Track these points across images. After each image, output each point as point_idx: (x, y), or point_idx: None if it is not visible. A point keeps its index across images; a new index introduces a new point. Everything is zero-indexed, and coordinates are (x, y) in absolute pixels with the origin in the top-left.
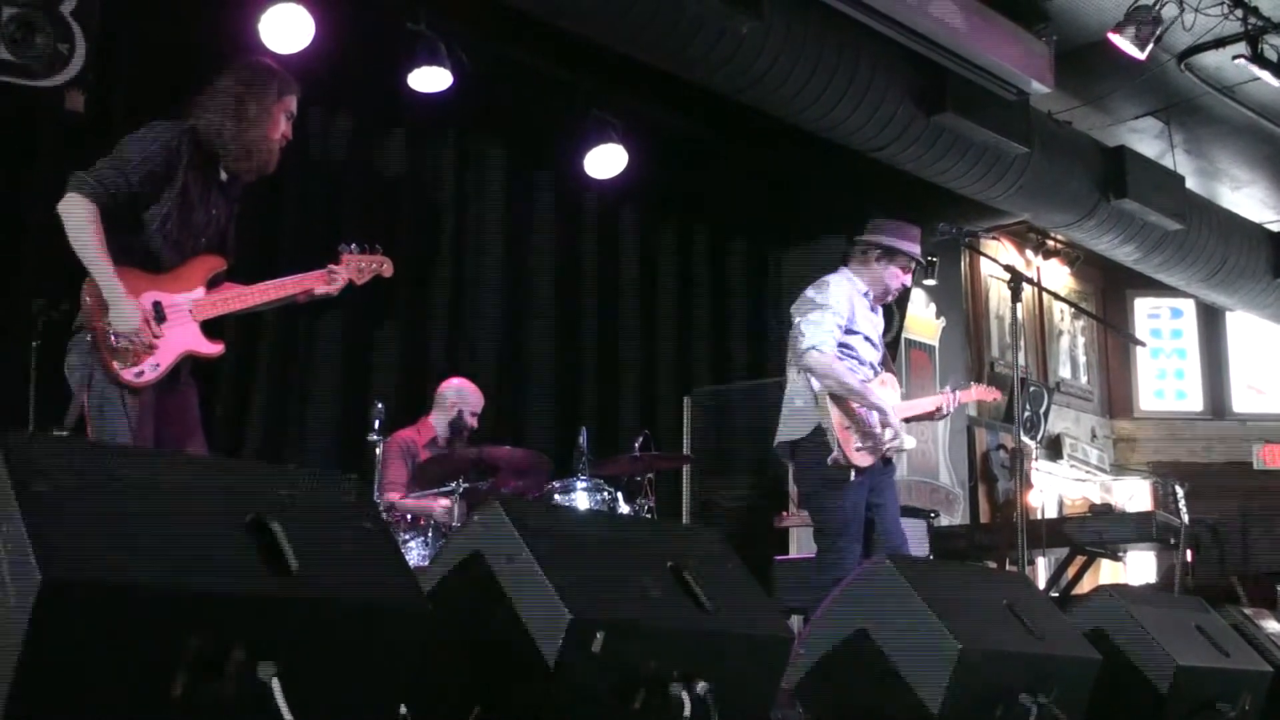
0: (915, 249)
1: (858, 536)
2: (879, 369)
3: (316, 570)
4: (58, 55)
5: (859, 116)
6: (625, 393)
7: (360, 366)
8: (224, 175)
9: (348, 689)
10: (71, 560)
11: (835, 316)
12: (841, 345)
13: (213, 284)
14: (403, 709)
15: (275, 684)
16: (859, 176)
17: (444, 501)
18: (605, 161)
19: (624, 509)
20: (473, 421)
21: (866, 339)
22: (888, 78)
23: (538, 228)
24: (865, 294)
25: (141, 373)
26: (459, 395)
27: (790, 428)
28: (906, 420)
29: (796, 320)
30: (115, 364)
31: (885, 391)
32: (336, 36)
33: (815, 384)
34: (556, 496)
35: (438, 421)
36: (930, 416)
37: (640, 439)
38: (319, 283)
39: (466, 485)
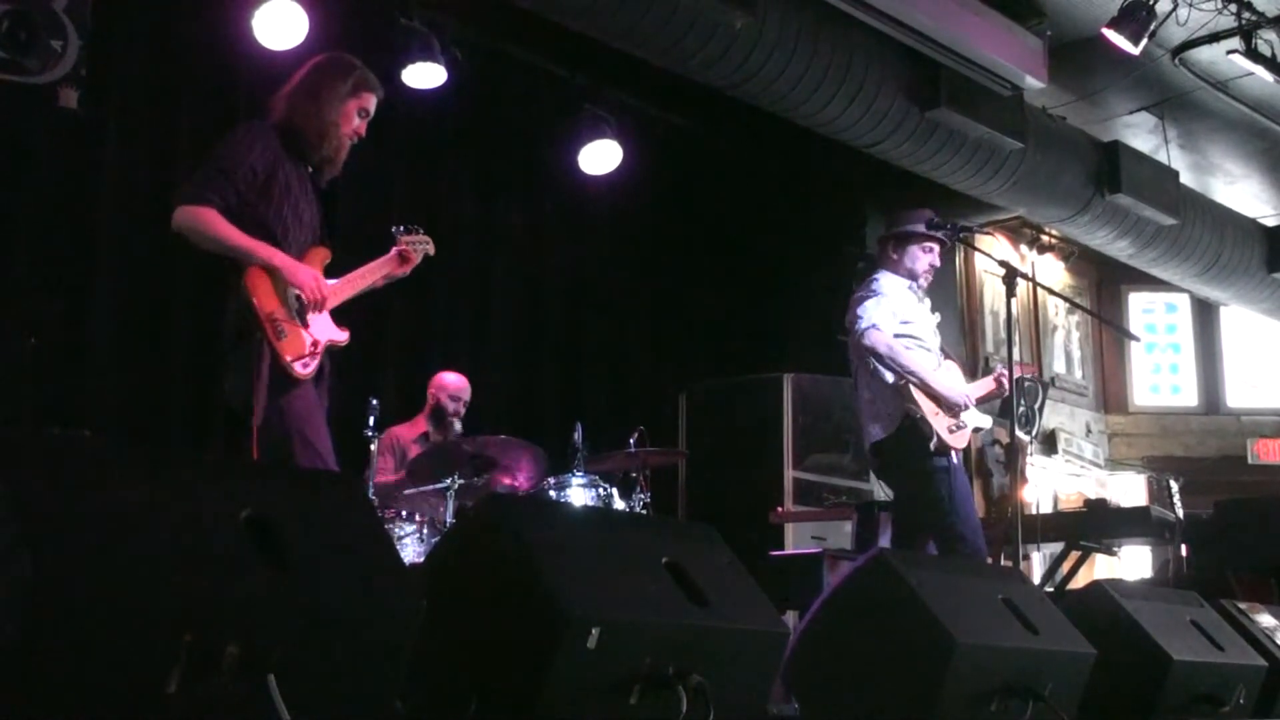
0: (917, 226)
1: (972, 524)
2: (941, 357)
3: (312, 567)
4: (50, 52)
5: (854, 112)
6: (621, 388)
7: (361, 364)
8: (310, 168)
9: (343, 685)
10: (67, 557)
11: (890, 303)
12: (907, 336)
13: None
14: (398, 705)
15: (271, 680)
16: (854, 172)
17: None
18: (600, 157)
19: (619, 504)
20: (453, 406)
21: (924, 327)
22: (882, 73)
23: (532, 224)
24: (910, 286)
25: (307, 364)
26: (436, 384)
27: (871, 431)
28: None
29: (853, 313)
30: (288, 356)
31: (952, 376)
32: (330, 33)
33: (889, 376)
34: (552, 492)
35: (428, 416)
36: (993, 397)
37: (636, 434)
38: (394, 265)
39: (462, 481)
